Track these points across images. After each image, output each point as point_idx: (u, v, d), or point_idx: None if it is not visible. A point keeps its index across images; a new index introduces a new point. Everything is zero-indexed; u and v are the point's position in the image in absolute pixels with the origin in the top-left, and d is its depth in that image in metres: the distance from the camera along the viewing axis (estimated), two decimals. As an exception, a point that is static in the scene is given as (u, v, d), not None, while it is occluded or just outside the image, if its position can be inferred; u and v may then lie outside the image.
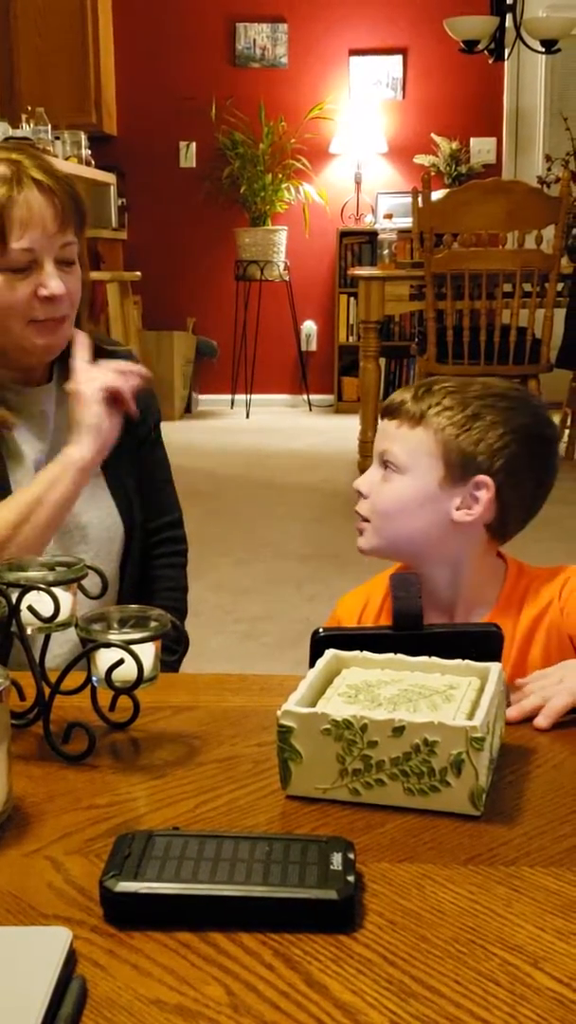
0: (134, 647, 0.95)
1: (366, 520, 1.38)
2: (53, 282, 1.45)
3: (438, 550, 1.35)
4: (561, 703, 1.04)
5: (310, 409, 7.34)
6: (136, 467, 1.64)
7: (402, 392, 1.37)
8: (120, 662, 0.95)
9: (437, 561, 1.35)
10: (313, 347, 7.45)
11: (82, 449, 1.45)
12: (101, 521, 1.57)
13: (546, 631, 1.32)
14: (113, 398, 1.48)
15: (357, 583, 1.52)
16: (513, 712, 1.04)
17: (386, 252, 6.02)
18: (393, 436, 1.35)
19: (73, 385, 1.49)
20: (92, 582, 1.08)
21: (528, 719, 1.04)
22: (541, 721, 1.03)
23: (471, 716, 0.89)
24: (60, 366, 1.59)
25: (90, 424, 1.46)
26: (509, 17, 5.70)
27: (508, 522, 1.36)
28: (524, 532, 1.40)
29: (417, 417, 1.33)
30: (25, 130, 5.19)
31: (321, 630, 1.07)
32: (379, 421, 1.40)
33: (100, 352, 1.62)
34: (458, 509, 1.32)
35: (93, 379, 1.48)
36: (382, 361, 5.91)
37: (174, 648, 1.54)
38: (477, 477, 1.31)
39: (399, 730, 0.86)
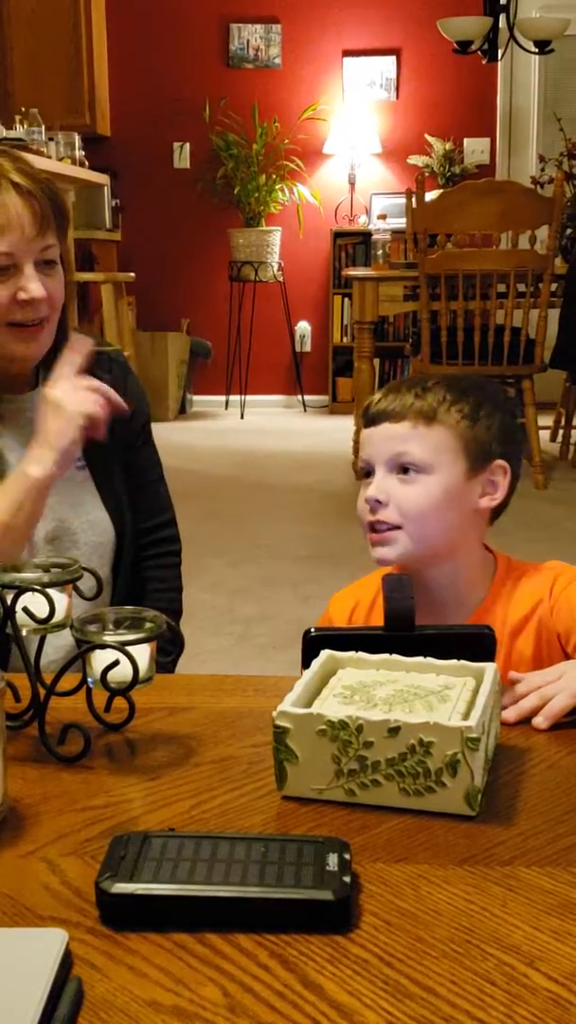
0: (129, 648, 0.95)
1: (395, 528, 1.33)
2: (33, 285, 1.44)
3: (464, 543, 1.37)
4: (561, 704, 1.04)
5: (304, 410, 7.34)
6: (125, 469, 1.63)
7: (391, 397, 1.37)
8: (115, 663, 0.95)
9: (452, 556, 1.36)
10: (307, 348, 7.45)
11: (45, 467, 1.41)
12: (92, 526, 1.57)
13: (535, 628, 1.33)
14: (90, 424, 1.44)
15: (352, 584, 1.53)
16: (511, 714, 1.04)
17: (380, 253, 6.03)
18: (407, 437, 1.33)
19: (53, 393, 1.45)
20: (87, 583, 1.08)
21: (525, 720, 1.04)
22: (540, 722, 1.03)
23: (466, 716, 0.89)
24: (45, 371, 1.58)
25: (60, 447, 1.42)
26: (502, 18, 5.71)
27: (508, 500, 1.40)
28: (522, 534, 1.41)
29: (430, 415, 1.33)
30: (18, 131, 5.18)
31: (313, 630, 1.07)
32: (367, 429, 1.38)
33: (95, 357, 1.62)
34: (482, 497, 1.35)
35: (78, 401, 1.44)
36: (376, 362, 5.91)
37: (168, 649, 1.54)
38: (496, 462, 1.35)
39: (395, 731, 0.86)
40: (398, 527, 1.33)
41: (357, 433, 5.08)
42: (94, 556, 1.55)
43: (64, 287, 1.52)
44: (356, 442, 5.08)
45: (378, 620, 1.39)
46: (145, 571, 1.66)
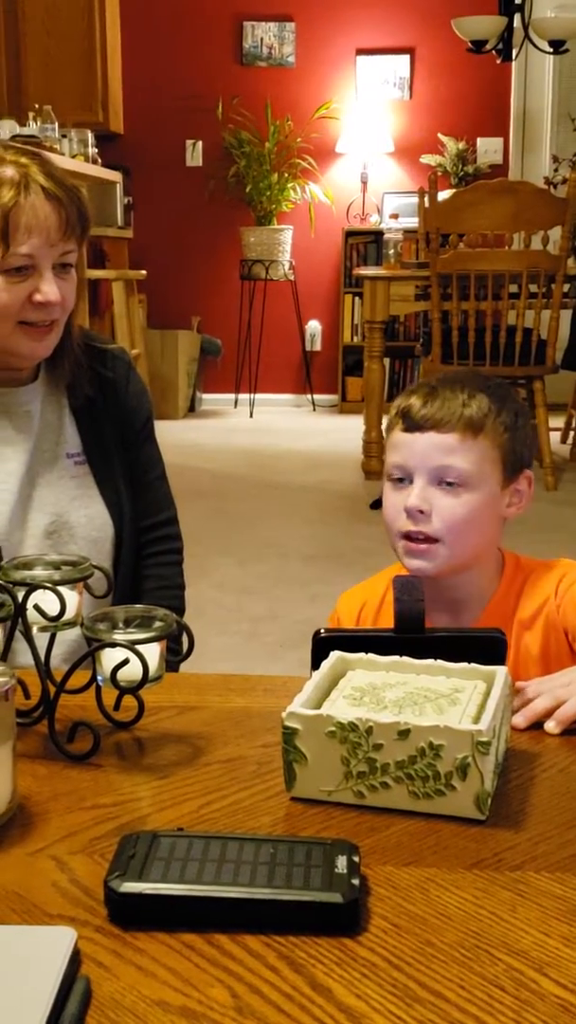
0: (139, 647, 0.95)
1: (433, 540, 1.32)
2: (49, 288, 1.45)
3: (489, 552, 1.37)
4: (573, 708, 1.03)
5: (314, 409, 7.33)
6: (126, 464, 1.64)
7: (436, 403, 1.33)
8: (125, 662, 0.95)
9: (482, 560, 1.36)
10: (317, 347, 7.45)
11: None
12: (90, 520, 1.57)
13: (543, 625, 1.33)
14: None
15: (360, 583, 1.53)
16: (521, 718, 1.04)
17: (392, 252, 6.02)
18: (454, 449, 1.31)
19: None
20: (97, 581, 1.08)
21: (535, 725, 1.04)
22: (552, 727, 1.03)
23: (477, 720, 0.88)
24: (47, 364, 1.59)
25: None
26: (517, 17, 5.69)
27: None
28: (532, 535, 1.41)
29: (478, 427, 1.32)
30: (32, 128, 5.18)
31: (323, 631, 1.07)
32: (408, 434, 1.34)
33: (91, 350, 1.62)
34: (509, 506, 1.36)
35: None
36: (387, 361, 5.90)
37: (177, 649, 1.54)
38: (525, 471, 1.36)
39: (404, 733, 0.86)
40: (436, 540, 1.31)
41: (367, 433, 5.08)
42: (92, 550, 1.55)
43: (76, 287, 1.53)
44: (366, 442, 5.08)
45: (386, 620, 1.40)
46: (146, 569, 1.66)
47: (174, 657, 1.18)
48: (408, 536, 1.33)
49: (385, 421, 1.40)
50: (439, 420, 1.32)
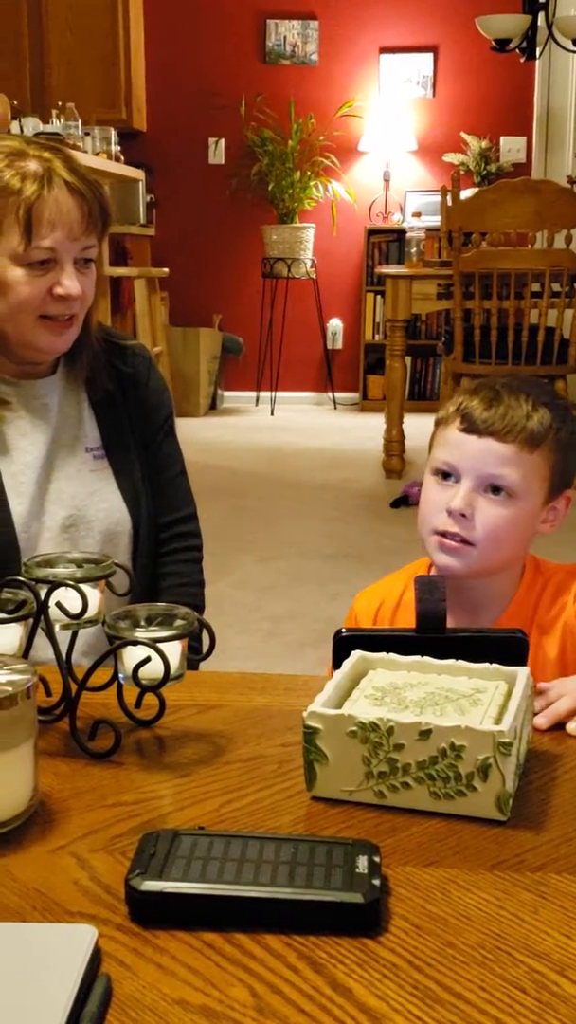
0: (161, 645, 0.95)
1: (469, 544, 1.31)
2: (70, 282, 1.46)
3: (516, 563, 1.36)
4: None
5: (335, 407, 7.33)
6: (145, 460, 1.64)
7: (499, 409, 1.31)
8: (147, 660, 0.95)
9: (507, 569, 1.36)
10: (339, 345, 7.44)
11: None
12: (108, 515, 1.57)
13: (561, 631, 1.32)
14: None
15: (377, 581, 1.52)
16: (543, 719, 1.03)
17: (414, 250, 6.00)
18: (509, 460, 1.30)
19: None
20: (119, 580, 1.08)
21: (557, 726, 1.03)
22: (575, 728, 1.02)
23: (498, 721, 0.88)
24: (66, 358, 1.60)
25: None
26: (541, 16, 5.66)
27: None
28: (551, 536, 1.40)
29: (538, 441, 1.30)
30: (55, 125, 5.20)
31: (344, 630, 1.07)
32: (465, 435, 1.32)
33: (111, 346, 1.63)
34: (544, 522, 1.35)
35: None
36: (408, 360, 5.89)
37: (198, 647, 1.54)
38: (567, 492, 1.34)
39: (426, 733, 0.86)
40: (472, 544, 1.31)
41: (387, 431, 5.07)
42: (109, 544, 1.56)
43: (96, 283, 1.54)
44: (387, 440, 5.07)
45: (403, 619, 1.40)
46: (165, 566, 1.66)
47: (195, 656, 1.18)
48: (444, 534, 1.32)
49: (441, 412, 1.36)
50: (500, 428, 1.30)
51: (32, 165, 1.44)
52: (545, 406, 1.32)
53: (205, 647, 1.03)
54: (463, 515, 1.30)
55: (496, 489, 1.30)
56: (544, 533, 1.36)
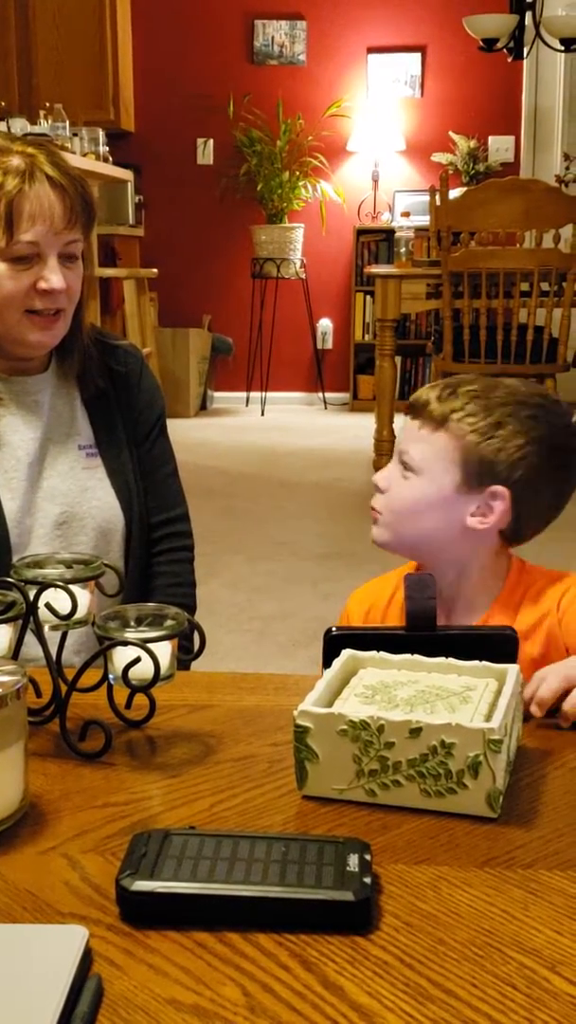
0: (151, 645, 0.95)
1: (380, 514, 1.39)
2: (54, 276, 1.47)
3: (448, 552, 1.35)
4: None
5: (325, 407, 7.33)
6: (138, 459, 1.64)
7: (428, 390, 1.37)
8: (137, 660, 0.95)
9: (445, 561, 1.35)
10: (329, 345, 7.44)
11: None
12: (100, 512, 1.57)
13: (543, 638, 1.31)
14: None
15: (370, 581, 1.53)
16: (535, 709, 1.03)
17: (403, 250, 6.00)
18: (414, 437, 1.35)
19: None
20: (109, 580, 1.08)
21: (549, 714, 1.03)
22: (570, 711, 1.02)
23: (488, 718, 0.88)
24: (58, 355, 1.60)
25: None
26: (528, 15, 5.67)
27: (523, 529, 1.36)
28: (548, 534, 1.40)
29: (440, 421, 1.33)
30: (43, 126, 5.19)
31: (334, 629, 1.07)
32: (405, 418, 1.40)
33: (103, 345, 1.63)
34: (472, 516, 1.33)
35: None
36: (398, 359, 5.89)
37: (189, 647, 1.54)
38: (493, 487, 1.31)
39: (416, 731, 0.86)
40: (381, 514, 1.38)
41: (378, 431, 5.07)
42: (102, 542, 1.56)
43: (83, 281, 1.55)
44: (377, 440, 5.08)
45: (394, 618, 1.40)
46: (157, 566, 1.66)
47: (186, 656, 1.18)
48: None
49: None
50: (414, 407, 1.37)
51: (15, 161, 1.44)
52: (470, 394, 1.33)
53: (196, 647, 1.03)
54: (378, 488, 1.38)
55: (406, 465, 1.35)
56: (479, 529, 1.32)
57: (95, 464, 1.59)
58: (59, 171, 1.46)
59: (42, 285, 1.47)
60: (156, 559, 1.66)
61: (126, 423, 1.63)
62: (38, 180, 1.44)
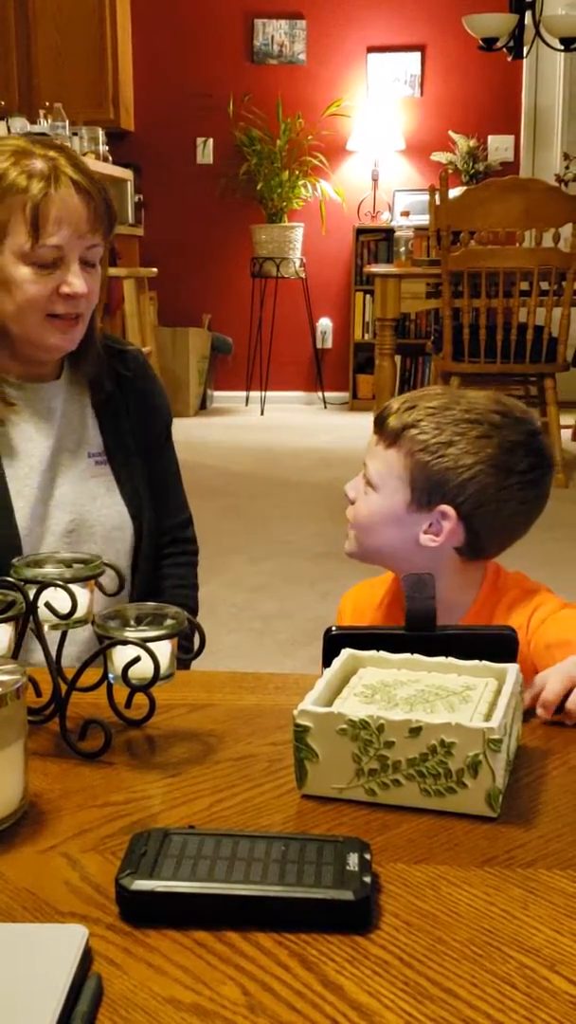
0: (151, 645, 0.95)
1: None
2: (76, 281, 1.46)
3: (410, 566, 1.33)
4: None
5: (325, 406, 7.33)
6: (146, 466, 1.64)
7: (393, 402, 1.37)
8: (136, 659, 0.95)
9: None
10: (328, 344, 7.44)
11: None
12: (109, 520, 1.57)
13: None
14: None
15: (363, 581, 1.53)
16: (541, 711, 1.03)
17: (403, 250, 6.01)
18: (372, 452, 1.37)
19: None
20: (109, 579, 1.08)
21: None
22: (573, 706, 1.02)
23: (488, 717, 0.88)
24: (71, 361, 1.59)
25: None
26: (528, 15, 5.68)
27: (483, 547, 1.35)
28: (543, 533, 1.39)
29: (393, 437, 1.33)
30: (43, 126, 5.20)
31: (334, 628, 1.07)
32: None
33: (110, 350, 1.62)
34: (425, 533, 1.32)
35: None
36: (398, 359, 5.90)
37: (188, 647, 1.53)
38: (442, 506, 1.30)
39: (416, 731, 0.86)
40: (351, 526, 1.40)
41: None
42: (111, 550, 1.55)
43: (100, 286, 1.55)
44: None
45: (385, 619, 1.41)
46: (163, 568, 1.67)
47: (185, 655, 1.18)
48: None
49: None
50: (377, 420, 1.38)
51: (38, 164, 1.43)
52: (426, 409, 1.32)
53: (196, 647, 1.03)
54: (348, 497, 1.40)
55: (367, 479, 1.37)
56: (430, 547, 1.32)
57: (104, 472, 1.59)
58: (83, 175, 1.46)
59: (65, 289, 1.46)
60: (163, 563, 1.67)
61: (134, 430, 1.63)
62: (63, 184, 1.43)
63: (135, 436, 1.63)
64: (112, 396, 1.61)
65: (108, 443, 1.60)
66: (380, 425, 1.36)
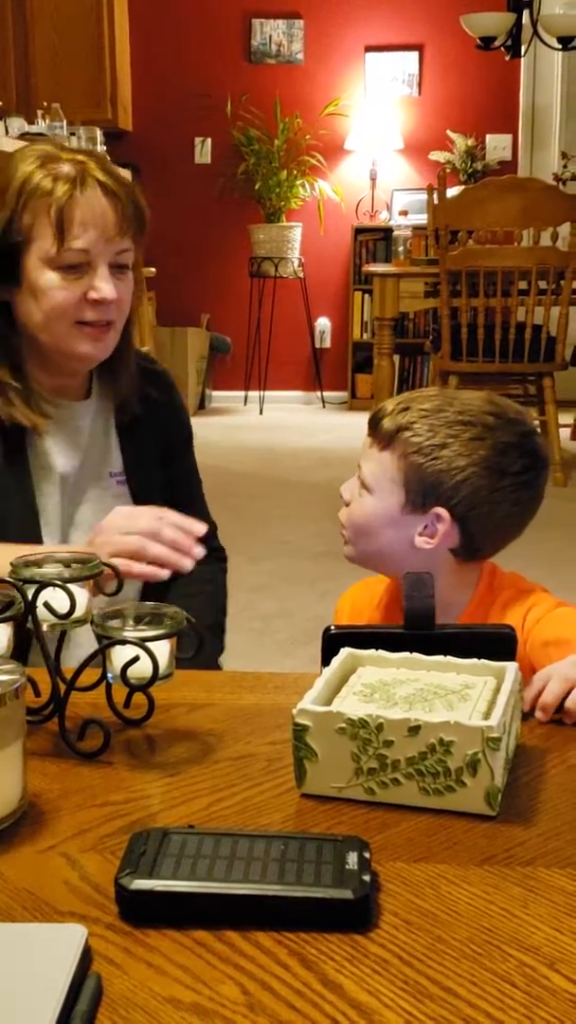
0: (149, 644, 0.95)
1: (344, 530, 1.39)
2: (105, 285, 1.42)
3: (406, 567, 1.33)
4: None
5: (323, 406, 7.33)
6: (168, 484, 1.61)
7: (387, 403, 1.37)
8: (135, 659, 0.95)
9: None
10: (327, 344, 7.44)
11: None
12: None
13: None
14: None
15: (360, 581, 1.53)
16: (539, 714, 1.03)
17: (401, 249, 6.01)
18: (366, 454, 1.36)
19: (115, 517, 1.35)
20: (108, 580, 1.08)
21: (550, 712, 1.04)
22: (573, 705, 1.02)
23: (487, 716, 0.88)
24: (101, 377, 1.56)
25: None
26: (526, 14, 5.68)
27: (478, 547, 1.35)
28: (541, 532, 1.39)
29: (387, 439, 1.33)
30: (41, 126, 5.19)
31: (333, 628, 1.07)
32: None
33: (143, 372, 1.60)
34: (419, 535, 1.32)
35: (119, 540, 1.30)
36: (396, 358, 5.90)
37: (193, 645, 1.50)
38: (436, 508, 1.30)
39: (415, 729, 0.86)
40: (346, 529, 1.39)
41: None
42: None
43: (132, 295, 1.50)
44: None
45: (381, 619, 1.41)
46: (192, 574, 1.63)
47: (184, 655, 1.18)
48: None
49: None
50: (372, 421, 1.37)
51: (65, 167, 1.41)
52: (420, 411, 1.31)
53: (195, 648, 1.03)
54: (343, 500, 1.39)
55: (361, 481, 1.36)
56: (425, 548, 1.32)
57: (123, 492, 1.56)
58: (111, 177, 1.43)
59: (92, 295, 1.42)
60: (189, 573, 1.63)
61: (157, 446, 1.60)
62: (90, 186, 1.40)
63: (157, 454, 1.60)
64: (137, 415, 1.58)
65: (128, 462, 1.58)
66: (374, 427, 1.36)
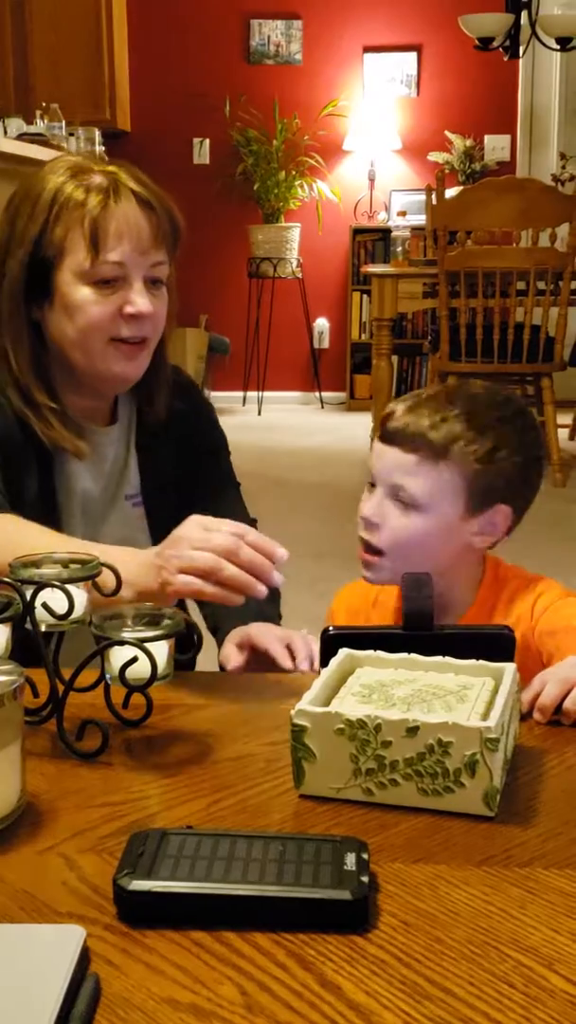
0: (148, 645, 0.95)
1: (378, 553, 1.33)
2: (140, 299, 1.38)
3: (452, 568, 1.34)
4: None
5: (322, 406, 7.33)
6: (189, 499, 1.53)
7: (412, 417, 1.31)
8: (134, 660, 0.95)
9: (436, 576, 1.34)
10: (325, 344, 7.44)
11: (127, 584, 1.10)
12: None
13: (520, 646, 1.31)
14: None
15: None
16: (538, 716, 1.04)
17: (399, 249, 6.00)
18: (411, 471, 1.30)
19: (191, 526, 1.17)
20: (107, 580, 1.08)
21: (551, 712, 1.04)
22: (571, 705, 1.02)
23: (485, 717, 0.88)
24: (125, 408, 1.53)
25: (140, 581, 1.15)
26: (524, 14, 5.68)
27: (512, 528, 1.37)
28: (540, 533, 1.40)
29: (441, 452, 1.29)
30: (39, 127, 5.19)
31: (331, 629, 1.07)
32: (379, 443, 1.34)
33: (177, 387, 1.56)
34: (475, 535, 1.33)
35: (191, 554, 1.13)
36: (394, 359, 5.90)
37: (189, 643, 1.47)
38: (498, 506, 1.32)
39: (413, 730, 0.86)
40: (380, 552, 1.32)
41: (374, 431, 5.07)
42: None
43: (168, 313, 1.46)
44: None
45: (377, 619, 1.41)
46: None
47: (183, 655, 1.17)
48: (362, 542, 1.35)
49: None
50: (404, 437, 1.31)
51: (96, 179, 1.37)
52: (464, 415, 1.30)
53: (195, 647, 1.03)
54: (372, 522, 1.32)
55: (405, 502, 1.30)
56: (482, 547, 1.34)
57: (139, 514, 1.53)
58: (144, 188, 1.39)
59: (128, 309, 1.37)
60: None
61: (181, 460, 1.55)
62: (123, 197, 1.36)
63: (177, 469, 1.55)
64: (158, 433, 1.54)
65: (145, 482, 1.54)
66: (413, 442, 1.30)
